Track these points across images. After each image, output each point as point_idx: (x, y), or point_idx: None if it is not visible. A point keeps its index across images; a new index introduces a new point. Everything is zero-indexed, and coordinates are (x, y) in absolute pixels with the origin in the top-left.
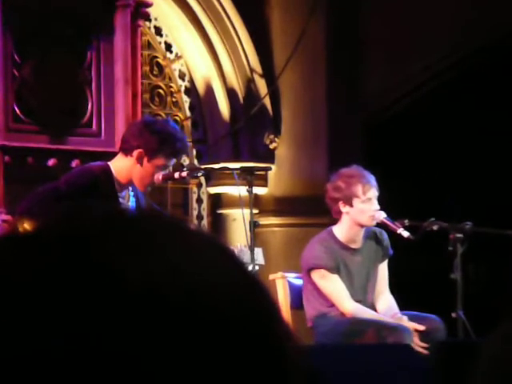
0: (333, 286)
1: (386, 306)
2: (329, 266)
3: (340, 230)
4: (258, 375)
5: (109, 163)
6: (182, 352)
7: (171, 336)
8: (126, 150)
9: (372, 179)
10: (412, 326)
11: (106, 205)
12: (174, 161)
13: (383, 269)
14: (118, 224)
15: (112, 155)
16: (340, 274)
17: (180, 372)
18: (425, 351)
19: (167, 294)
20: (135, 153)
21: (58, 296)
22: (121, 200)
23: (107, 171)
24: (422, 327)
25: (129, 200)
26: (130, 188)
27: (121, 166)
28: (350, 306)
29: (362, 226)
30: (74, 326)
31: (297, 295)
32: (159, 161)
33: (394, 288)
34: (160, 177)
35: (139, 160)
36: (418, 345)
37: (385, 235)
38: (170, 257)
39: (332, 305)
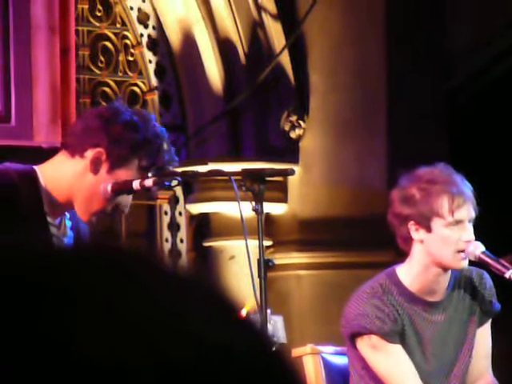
0: (391, 362)
1: None
2: (385, 331)
3: (409, 272)
4: None
5: (36, 168)
6: None
7: None
8: (74, 148)
9: (467, 188)
10: None
11: (32, 236)
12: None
13: (484, 336)
14: (68, 273)
15: (29, 153)
16: (405, 343)
17: None
18: None
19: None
20: (90, 153)
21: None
22: (53, 230)
23: (33, 179)
24: None
25: (65, 233)
26: (68, 215)
27: (59, 172)
28: None
29: (443, 267)
30: None
31: (338, 382)
32: (126, 173)
33: (499, 367)
34: (109, 188)
35: (95, 165)
36: None
37: (487, 281)
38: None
39: None
